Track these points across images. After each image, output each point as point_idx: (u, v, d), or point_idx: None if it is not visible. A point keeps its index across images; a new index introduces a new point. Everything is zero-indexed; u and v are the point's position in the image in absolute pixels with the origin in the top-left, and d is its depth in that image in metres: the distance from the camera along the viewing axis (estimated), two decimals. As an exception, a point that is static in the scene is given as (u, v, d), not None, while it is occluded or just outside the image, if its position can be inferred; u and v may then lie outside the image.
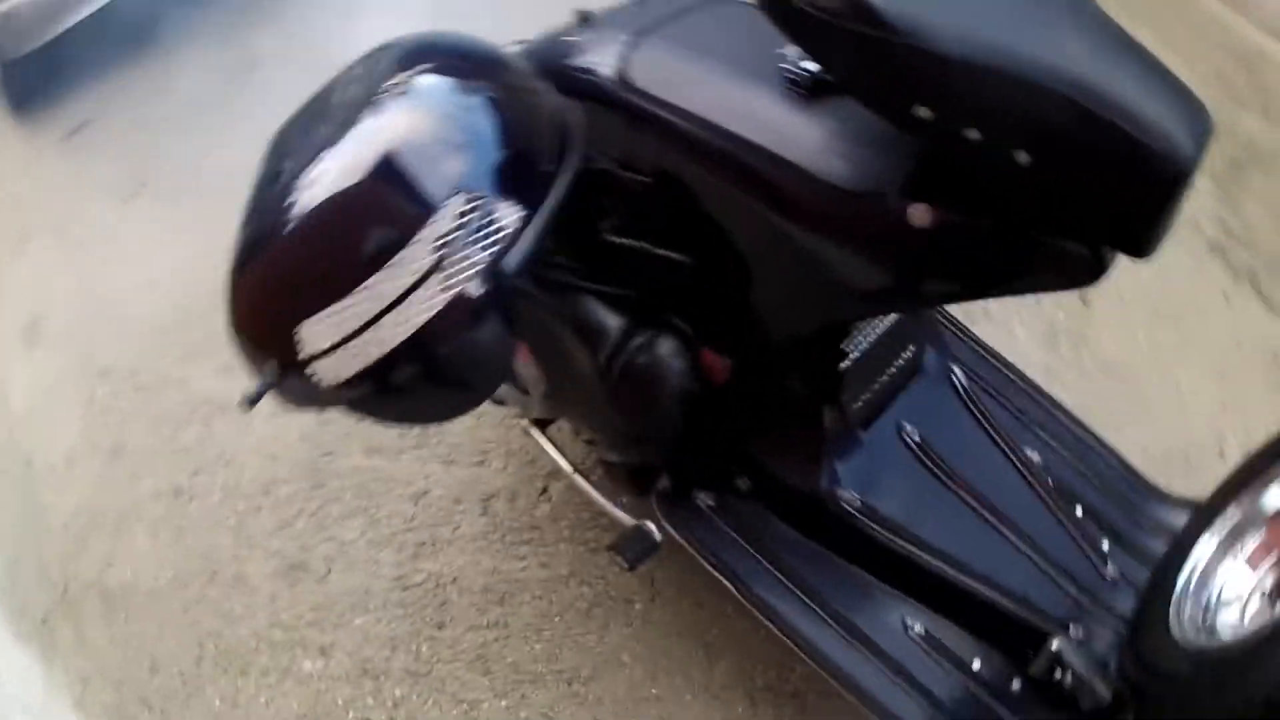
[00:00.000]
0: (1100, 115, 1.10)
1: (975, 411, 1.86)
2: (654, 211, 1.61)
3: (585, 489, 2.04)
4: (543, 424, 2.15)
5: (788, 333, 1.61)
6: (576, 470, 2.08)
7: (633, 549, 1.85)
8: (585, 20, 1.69)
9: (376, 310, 1.26)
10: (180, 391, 2.72)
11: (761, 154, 1.41)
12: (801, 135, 1.39)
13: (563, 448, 2.14)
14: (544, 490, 2.45)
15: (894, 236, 1.33)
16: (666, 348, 1.69)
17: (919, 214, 1.29)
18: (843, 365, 1.65)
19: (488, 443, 2.53)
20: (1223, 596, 1.57)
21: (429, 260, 1.26)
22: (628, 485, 1.97)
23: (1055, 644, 1.63)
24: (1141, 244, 1.18)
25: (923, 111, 1.20)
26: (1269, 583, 1.56)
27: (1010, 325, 2.78)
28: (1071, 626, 1.70)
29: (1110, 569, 1.81)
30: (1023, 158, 1.16)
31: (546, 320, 1.74)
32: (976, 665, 1.71)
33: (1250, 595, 1.56)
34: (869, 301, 1.50)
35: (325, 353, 1.29)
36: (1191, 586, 1.60)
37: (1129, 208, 1.17)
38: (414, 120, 1.31)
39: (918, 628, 1.73)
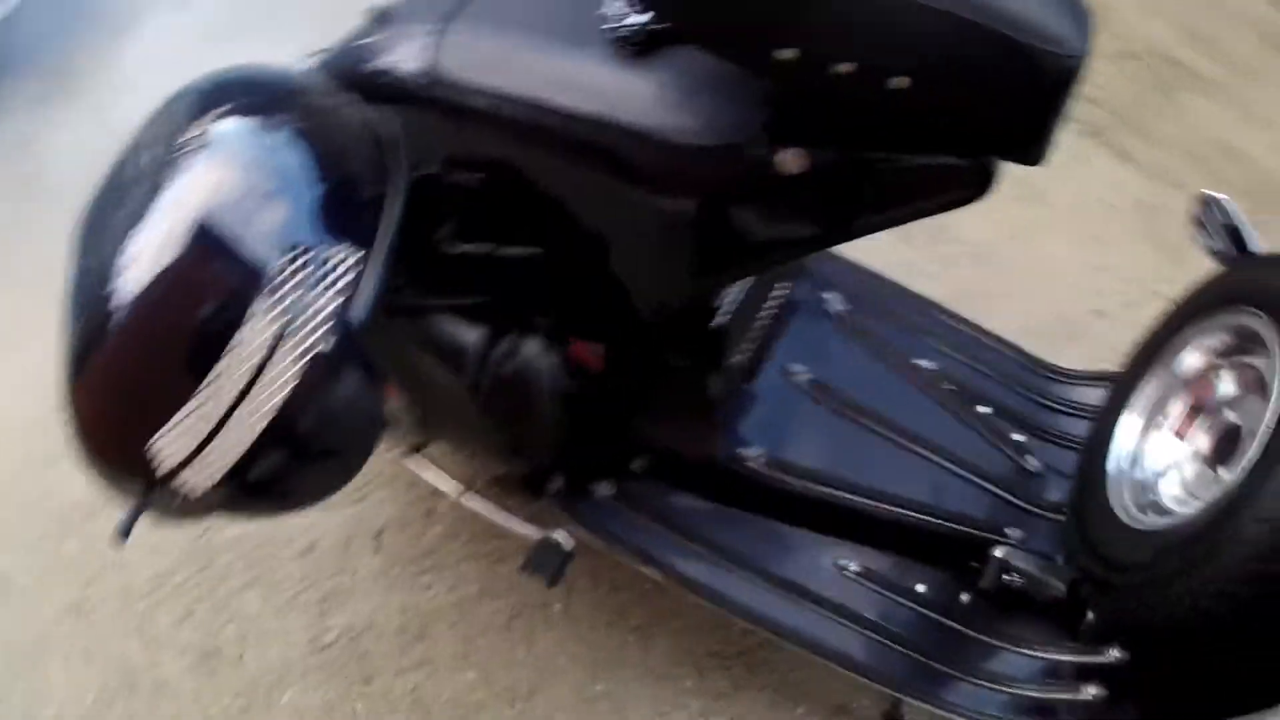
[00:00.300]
0: (979, 23, 1.02)
1: (857, 334, 1.78)
2: (492, 209, 1.48)
3: (476, 509, 1.91)
4: (417, 447, 2.00)
5: (657, 306, 1.49)
6: (464, 490, 1.94)
7: (548, 564, 1.71)
8: (381, 18, 1.53)
9: (229, 403, 1.11)
10: (52, 503, 2.50)
11: (596, 123, 1.29)
12: (638, 95, 1.27)
13: (443, 467, 2.00)
14: (431, 512, 2.31)
15: (763, 188, 1.23)
16: (532, 349, 1.55)
17: (789, 160, 1.19)
18: (715, 323, 1.54)
19: (364, 477, 2.36)
20: (1159, 471, 1.54)
21: (271, 332, 1.11)
22: (520, 493, 1.84)
23: (999, 552, 1.58)
24: (1033, 150, 1.12)
25: (786, 54, 1.09)
26: (1204, 446, 1.53)
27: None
28: (1008, 530, 1.66)
29: (1031, 461, 1.76)
30: (900, 83, 1.07)
31: (400, 348, 1.60)
32: (921, 588, 1.65)
33: (1185, 463, 1.53)
34: (744, 261, 1.38)
35: (186, 463, 1.14)
36: (1124, 469, 1.56)
37: (1018, 115, 1.09)
38: (219, 176, 1.16)
39: (853, 566, 1.65)
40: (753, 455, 1.62)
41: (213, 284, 1.12)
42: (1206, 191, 1.76)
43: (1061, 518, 1.68)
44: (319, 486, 1.30)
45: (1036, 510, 1.70)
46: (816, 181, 1.20)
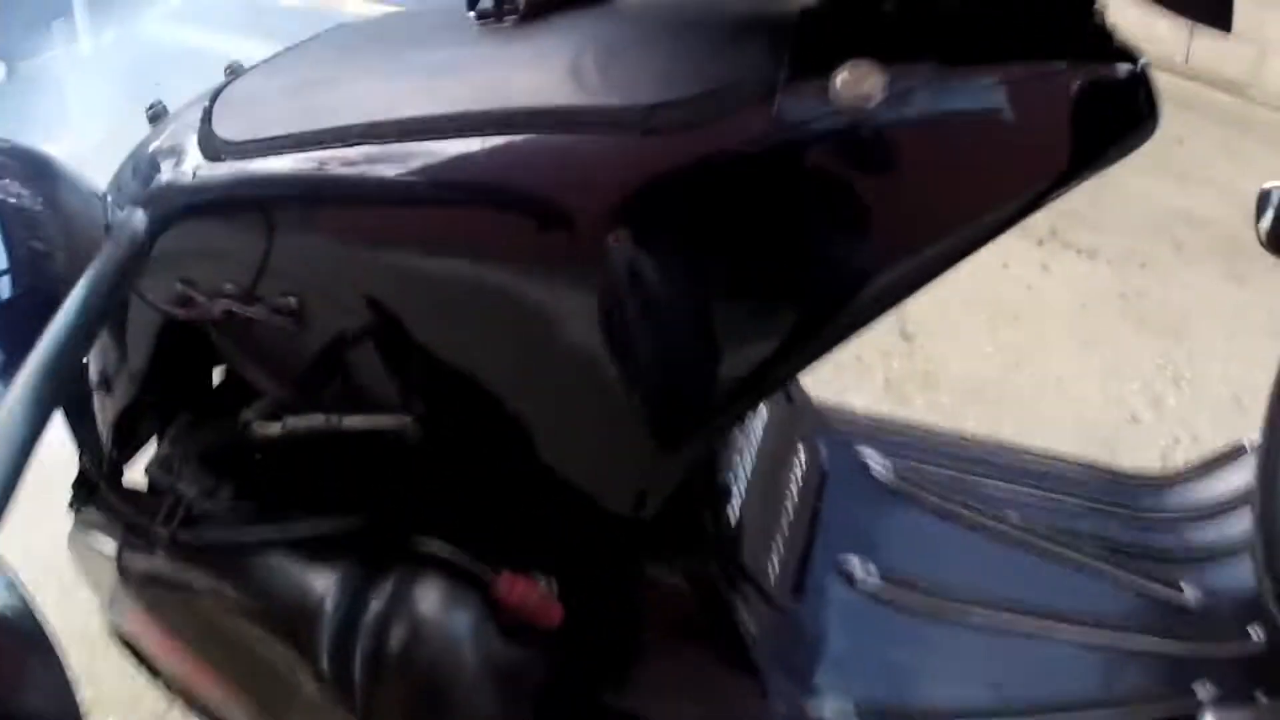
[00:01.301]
0: None
1: (915, 498, 1.28)
2: (318, 354, 0.91)
3: None
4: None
5: (633, 499, 0.86)
6: None
7: None
8: (157, 118, 1.06)
9: None
10: None
11: (505, 127, 0.74)
12: (545, 71, 0.78)
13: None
14: None
15: (806, 154, 0.69)
16: (432, 601, 0.92)
17: (854, 78, 0.65)
18: (730, 515, 1.02)
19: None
20: None
21: None
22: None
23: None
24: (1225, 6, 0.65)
25: None
26: None
27: (844, 395, 2.27)
28: (1196, 687, 1.14)
29: (1186, 593, 1.27)
30: None
31: (207, 612, 1.02)
32: None
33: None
34: (765, 366, 0.75)
35: None
36: None
37: None
38: None
39: None
40: (834, 712, 1.06)
41: None
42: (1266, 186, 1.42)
43: (1243, 644, 1.21)
44: None
45: (1215, 650, 1.21)
46: (896, 124, 0.67)
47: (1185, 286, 2.68)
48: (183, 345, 0.96)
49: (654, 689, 1.01)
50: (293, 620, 0.92)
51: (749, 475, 1.05)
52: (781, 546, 1.09)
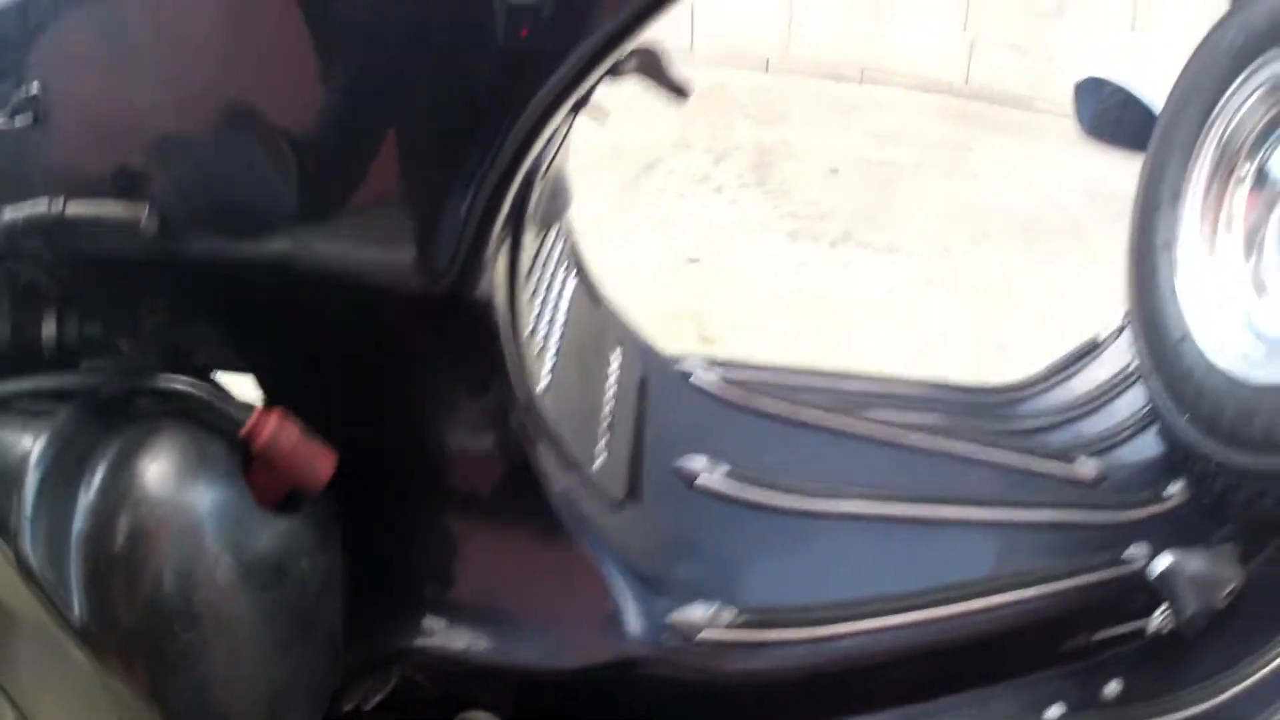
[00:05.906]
0: None
1: (756, 404, 1.10)
2: (68, 149, 0.74)
3: None
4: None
5: (422, 256, 0.69)
6: None
7: None
8: None
9: None
10: None
11: None
12: None
13: None
14: None
15: None
16: (164, 460, 0.67)
17: None
18: (540, 379, 0.80)
19: None
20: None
21: None
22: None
23: (1158, 568, 0.98)
24: None
25: None
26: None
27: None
28: (1134, 549, 1.03)
29: (1081, 466, 1.17)
30: None
31: None
32: (1054, 713, 0.95)
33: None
34: None
35: None
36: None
37: None
38: None
39: None
40: (708, 618, 0.83)
41: None
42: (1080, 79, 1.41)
43: (1163, 504, 1.13)
44: None
45: (1139, 514, 1.12)
46: None
47: (997, 269, 2.59)
48: None
49: (463, 579, 0.77)
50: None
51: (556, 353, 0.85)
52: (606, 443, 0.89)
